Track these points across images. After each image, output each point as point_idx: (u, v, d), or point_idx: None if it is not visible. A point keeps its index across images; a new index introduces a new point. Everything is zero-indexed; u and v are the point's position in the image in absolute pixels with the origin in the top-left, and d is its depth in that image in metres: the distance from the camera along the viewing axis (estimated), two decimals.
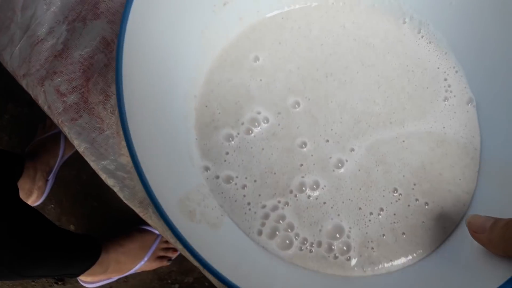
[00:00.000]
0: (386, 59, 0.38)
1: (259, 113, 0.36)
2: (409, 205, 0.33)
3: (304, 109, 0.36)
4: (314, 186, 0.34)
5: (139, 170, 0.24)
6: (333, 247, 0.32)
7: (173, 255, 0.89)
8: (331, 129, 0.36)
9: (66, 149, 1.00)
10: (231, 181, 0.34)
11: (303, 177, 0.34)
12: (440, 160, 0.35)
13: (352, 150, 0.35)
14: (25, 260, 0.57)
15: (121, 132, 0.39)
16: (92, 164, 0.39)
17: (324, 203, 0.33)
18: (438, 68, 0.38)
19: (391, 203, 0.33)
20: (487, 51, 0.35)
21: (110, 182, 0.39)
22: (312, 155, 0.35)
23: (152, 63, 0.30)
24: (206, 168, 0.34)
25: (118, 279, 0.89)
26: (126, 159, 0.39)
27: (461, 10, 0.36)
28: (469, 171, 0.34)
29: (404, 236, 0.32)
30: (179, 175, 0.31)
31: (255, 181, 0.34)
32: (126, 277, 0.90)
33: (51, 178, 0.99)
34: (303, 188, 0.34)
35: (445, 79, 0.37)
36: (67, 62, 0.40)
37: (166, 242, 0.88)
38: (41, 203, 1.00)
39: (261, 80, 0.37)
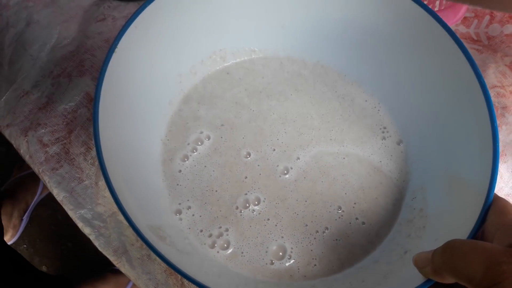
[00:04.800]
0: (315, 86, 0.42)
1: (201, 132, 0.39)
2: (350, 223, 0.36)
3: (249, 118, 0.40)
4: (256, 202, 0.36)
5: (114, 196, 0.26)
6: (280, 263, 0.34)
7: None
8: (277, 139, 0.39)
9: (45, 188, 1.00)
10: (181, 209, 0.36)
11: (246, 194, 0.36)
12: (377, 187, 0.38)
13: (298, 158, 0.38)
14: None
15: (100, 183, 0.41)
16: (70, 212, 0.41)
17: (268, 219, 0.36)
18: (366, 101, 0.41)
19: (335, 220, 0.36)
20: (410, 93, 0.39)
21: (86, 230, 0.40)
22: (258, 165, 0.38)
23: (125, 113, 0.33)
24: (171, 204, 0.36)
25: None
26: (102, 208, 0.40)
27: (380, 64, 0.40)
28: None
29: (344, 251, 0.35)
30: (150, 211, 0.33)
31: (198, 204, 0.36)
32: None
33: (25, 217, 0.99)
34: (247, 204, 0.36)
35: (379, 115, 0.41)
36: (51, 114, 0.42)
37: None
38: (14, 243, 0.98)
39: (208, 102, 0.40)
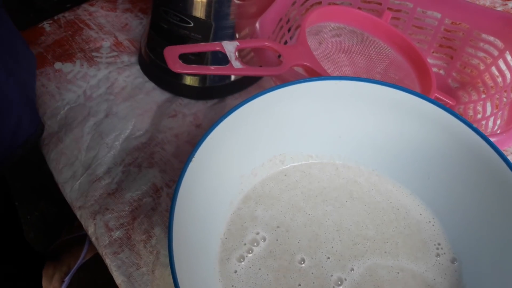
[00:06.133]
0: (370, 194, 0.43)
1: (257, 233, 0.40)
2: None
3: (305, 222, 0.41)
4: None
5: None
6: None
7: None
8: (332, 247, 0.40)
9: (88, 252, 1.03)
10: None
11: None
12: None
13: (352, 269, 0.38)
14: None
15: (156, 271, 0.43)
16: None
17: None
18: (421, 214, 0.42)
19: None
20: (465, 211, 0.39)
21: None
22: (312, 273, 0.38)
23: (191, 212, 0.35)
24: None
25: None
26: None
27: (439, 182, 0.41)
28: None
29: None
30: None
31: None
32: None
33: (67, 279, 1.02)
34: None
35: (433, 230, 0.41)
36: (119, 201, 0.46)
37: None
38: None
39: (266, 202, 0.42)
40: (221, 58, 0.51)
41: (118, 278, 0.43)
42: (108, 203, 0.46)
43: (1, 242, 0.65)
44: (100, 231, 0.45)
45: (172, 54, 0.38)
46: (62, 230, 1.08)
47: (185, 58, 0.51)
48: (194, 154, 0.33)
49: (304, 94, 0.39)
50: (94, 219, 0.46)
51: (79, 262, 1.03)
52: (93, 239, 0.45)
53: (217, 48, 0.40)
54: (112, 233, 0.45)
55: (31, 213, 1.20)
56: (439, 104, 0.38)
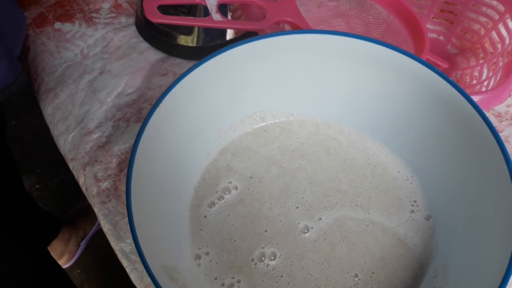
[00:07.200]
0: (348, 151, 0.43)
1: (230, 182, 0.41)
2: None
3: (278, 174, 0.41)
4: (272, 257, 0.37)
5: (133, 229, 0.29)
6: None
7: None
8: (302, 197, 0.40)
9: None
10: (201, 254, 0.37)
11: (263, 248, 0.38)
12: (398, 259, 0.37)
13: (320, 219, 0.39)
14: None
15: None
16: (112, 244, 0.45)
17: (281, 276, 0.36)
18: (399, 172, 0.42)
19: (350, 287, 0.36)
20: (443, 169, 0.39)
21: (124, 262, 0.44)
22: (280, 220, 0.39)
23: (165, 160, 0.37)
24: (192, 249, 0.38)
25: None
26: None
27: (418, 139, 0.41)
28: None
29: None
30: (171, 252, 0.35)
31: (216, 250, 0.37)
32: None
33: (83, 244, 1.06)
34: (263, 258, 0.37)
35: (411, 188, 0.41)
36: (107, 153, 0.48)
37: None
38: (69, 267, 1.05)
39: (242, 155, 0.43)
40: None
41: (105, 226, 0.45)
42: (97, 155, 0.48)
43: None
44: (89, 182, 0.47)
45: (150, 5, 0.39)
46: (80, 197, 1.12)
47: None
48: (161, 100, 0.34)
49: (282, 47, 0.39)
50: (84, 170, 0.47)
51: (94, 228, 1.07)
52: (83, 189, 0.47)
53: (197, 1, 0.41)
54: (100, 183, 0.46)
55: (52, 180, 1.25)
56: (418, 59, 0.37)
